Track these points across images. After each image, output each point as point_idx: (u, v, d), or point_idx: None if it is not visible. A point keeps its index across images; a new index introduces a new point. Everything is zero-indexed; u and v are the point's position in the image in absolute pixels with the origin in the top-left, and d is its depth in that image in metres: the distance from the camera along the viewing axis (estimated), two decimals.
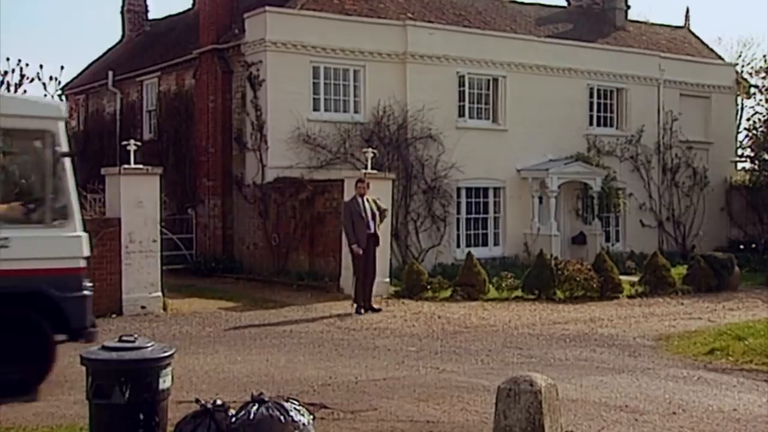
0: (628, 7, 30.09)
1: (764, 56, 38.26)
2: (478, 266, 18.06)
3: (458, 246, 22.97)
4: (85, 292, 9.50)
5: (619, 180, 25.32)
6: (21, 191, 10.12)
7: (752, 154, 28.76)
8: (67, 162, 9.40)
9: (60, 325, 9.30)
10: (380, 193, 16.97)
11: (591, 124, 25.67)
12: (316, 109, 21.42)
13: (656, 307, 16.88)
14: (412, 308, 16.18)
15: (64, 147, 9.34)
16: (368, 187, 15.95)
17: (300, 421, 6.04)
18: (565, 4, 30.51)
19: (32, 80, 20.70)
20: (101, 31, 79.12)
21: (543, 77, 24.37)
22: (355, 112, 21.96)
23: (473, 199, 23.61)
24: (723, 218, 27.88)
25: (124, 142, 16.20)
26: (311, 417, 6.22)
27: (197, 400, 6.11)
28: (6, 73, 20.32)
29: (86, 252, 9.55)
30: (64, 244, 9.34)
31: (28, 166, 10.23)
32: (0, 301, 8.92)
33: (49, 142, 9.31)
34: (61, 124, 9.44)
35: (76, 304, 9.39)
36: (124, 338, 6.10)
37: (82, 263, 9.58)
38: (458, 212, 23.16)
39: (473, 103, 23.64)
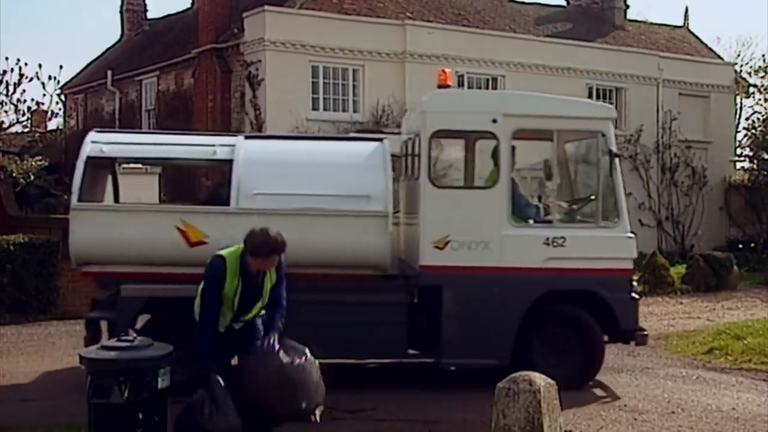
0: (627, 6, 30.12)
1: (763, 56, 38.52)
2: None
3: None
4: (634, 295, 9.57)
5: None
6: (575, 191, 10.40)
7: (751, 154, 28.75)
8: (617, 162, 9.55)
9: (608, 325, 9.48)
10: None
11: None
12: (315, 108, 21.41)
13: (655, 307, 16.87)
14: None
15: (614, 147, 9.49)
16: None
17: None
18: (564, 3, 30.53)
19: (31, 79, 20.66)
20: (100, 30, 79.29)
21: (542, 77, 24.34)
22: (354, 111, 21.96)
23: None
24: (722, 218, 27.88)
25: None
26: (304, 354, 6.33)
27: None
28: (5, 72, 20.28)
29: (634, 253, 9.62)
30: (614, 244, 9.40)
31: (581, 166, 10.54)
32: (555, 299, 9.32)
33: (601, 143, 9.46)
34: (611, 125, 9.60)
35: (626, 306, 9.44)
36: (123, 338, 6.09)
37: (631, 264, 9.65)
38: None
39: None
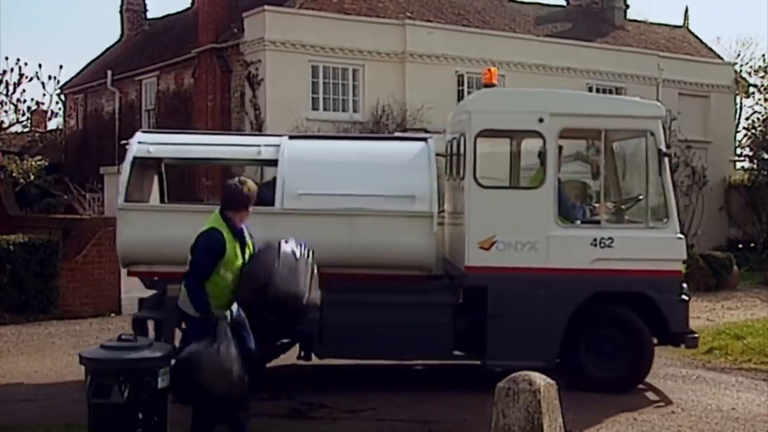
0: (627, 6, 30.11)
1: (763, 55, 38.52)
2: None
3: None
4: (684, 297, 9.38)
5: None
6: (623, 191, 10.23)
7: (751, 154, 28.75)
8: (666, 161, 9.40)
9: (658, 328, 9.32)
10: None
11: None
12: (315, 108, 21.40)
13: None
14: None
15: (663, 146, 9.32)
16: None
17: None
18: (564, 3, 30.52)
19: (31, 79, 20.65)
20: (100, 30, 79.29)
21: (542, 76, 24.32)
22: (354, 111, 21.95)
23: None
24: (722, 217, 27.85)
25: (123, 142, 16.20)
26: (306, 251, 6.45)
27: None
28: (5, 72, 20.28)
29: (684, 255, 9.46)
30: (664, 245, 9.25)
31: (629, 165, 10.39)
32: (603, 300, 9.15)
33: (650, 142, 9.28)
34: (660, 123, 9.40)
35: (676, 308, 9.27)
36: (123, 337, 6.10)
37: (681, 266, 9.48)
38: None
39: None
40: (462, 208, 9.35)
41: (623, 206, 9.85)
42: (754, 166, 28.05)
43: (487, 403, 5.97)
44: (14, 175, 22.16)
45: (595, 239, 9.12)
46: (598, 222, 9.41)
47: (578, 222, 9.50)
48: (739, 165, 29.55)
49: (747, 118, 31.73)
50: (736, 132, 30.96)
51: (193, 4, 28.44)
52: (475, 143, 9.19)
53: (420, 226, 9.13)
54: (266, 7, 21.06)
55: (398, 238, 9.13)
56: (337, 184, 9.24)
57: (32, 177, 22.72)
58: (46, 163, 23.77)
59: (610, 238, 9.13)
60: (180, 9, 31.70)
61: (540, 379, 5.74)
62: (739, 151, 30.26)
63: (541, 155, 9.36)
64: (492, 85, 9.68)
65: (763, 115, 28.82)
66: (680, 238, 9.32)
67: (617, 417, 8.34)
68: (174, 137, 10.86)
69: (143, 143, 9.60)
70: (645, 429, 8.03)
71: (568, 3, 30.34)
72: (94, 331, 13.22)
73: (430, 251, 9.21)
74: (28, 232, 15.02)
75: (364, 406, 8.63)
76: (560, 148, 9.41)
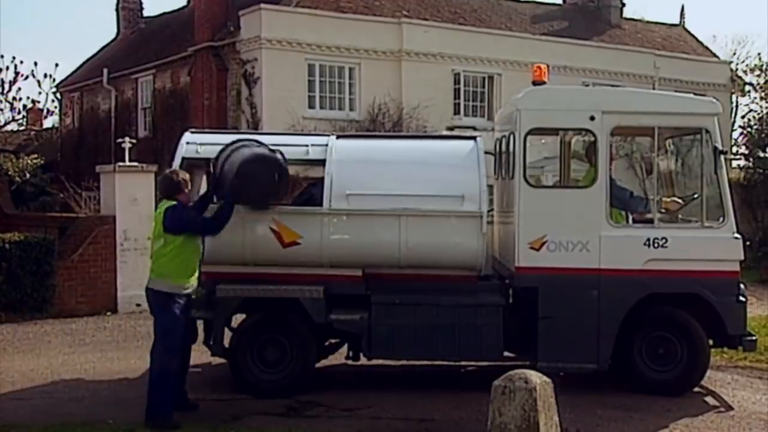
0: (623, 5, 30.16)
1: (759, 54, 38.51)
2: None
3: None
4: (742, 298, 9.20)
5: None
6: (677, 190, 10.05)
7: (747, 152, 28.77)
8: (723, 160, 9.13)
9: (714, 330, 9.16)
10: None
11: None
12: (311, 106, 21.40)
13: None
14: None
15: (719, 144, 9.06)
16: None
17: None
18: (560, 1, 30.54)
19: (27, 77, 20.59)
20: (96, 28, 79.24)
21: None
22: (351, 109, 21.95)
23: None
24: None
25: (119, 140, 16.20)
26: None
27: None
28: (0, 70, 20.23)
29: (741, 255, 9.26)
30: (720, 245, 9.08)
31: (683, 164, 10.25)
32: (658, 302, 8.99)
33: (705, 139, 9.08)
34: (716, 121, 9.15)
35: (733, 310, 9.08)
36: None
37: (738, 266, 9.25)
38: None
39: (468, 100, 23.63)
40: (512, 208, 9.22)
41: (681, 206, 9.59)
42: (750, 164, 28.06)
43: (484, 401, 5.97)
44: (10, 173, 22.08)
45: (648, 239, 8.94)
46: (651, 221, 9.20)
47: (636, 216, 9.38)
48: (735, 163, 29.56)
49: (743, 117, 31.77)
50: (732, 130, 31.00)
51: (189, 2, 28.40)
52: (525, 142, 9.07)
53: (469, 226, 8.99)
54: (262, 5, 21.05)
55: (447, 239, 9.03)
56: (385, 183, 9.14)
57: (28, 175, 22.63)
58: (42, 162, 23.67)
59: (664, 238, 8.95)
60: (176, 7, 31.75)
61: (536, 377, 5.74)
62: (735, 149, 30.29)
63: (593, 154, 9.23)
64: (541, 83, 9.48)
65: (758, 114, 28.84)
66: (737, 238, 9.16)
67: (613, 415, 8.35)
68: (222, 137, 10.82)
69: (191, 143, 9.53)
70: (641, 427, 8.03)
71: (564, 1, 30.37)
72: (90, 329, 13.21)
73: (480, 251, 9.07)
74: (24, 231, 14.99)
75: (360, 404, 8.64)
76: (610, 146, 9.28)
